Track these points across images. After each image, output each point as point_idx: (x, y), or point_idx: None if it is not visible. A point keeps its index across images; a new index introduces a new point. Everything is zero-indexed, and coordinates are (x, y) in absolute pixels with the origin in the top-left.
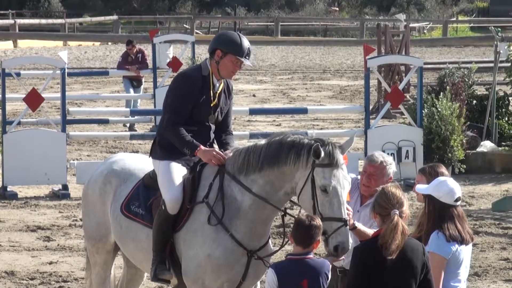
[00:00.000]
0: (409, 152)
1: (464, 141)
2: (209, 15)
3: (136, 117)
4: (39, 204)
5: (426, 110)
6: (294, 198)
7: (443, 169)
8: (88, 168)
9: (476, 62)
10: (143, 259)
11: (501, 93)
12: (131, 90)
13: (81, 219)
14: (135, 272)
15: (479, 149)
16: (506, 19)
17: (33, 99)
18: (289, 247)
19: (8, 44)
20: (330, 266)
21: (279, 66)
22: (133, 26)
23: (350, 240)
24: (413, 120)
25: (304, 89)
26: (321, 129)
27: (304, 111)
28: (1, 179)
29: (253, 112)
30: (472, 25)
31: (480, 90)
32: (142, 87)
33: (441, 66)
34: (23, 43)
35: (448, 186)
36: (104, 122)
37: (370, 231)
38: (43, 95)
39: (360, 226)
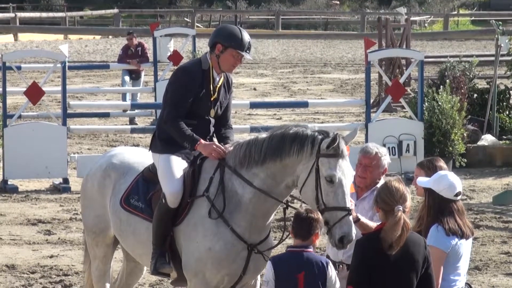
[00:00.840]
0: (410, 146)
1: (464, 135)
2: (210, 9)
3: (136, 110)
4: (40, 198)
5: (427, 103)
6: (294, 194)
7: (441, 162)
8: (88, 162)
9: (477, 56)
10: (143, 252)
11: (502, 87)
12: (127, 79)
13: (81, 213)
14: (134, 265)
15: (480, 143)
16: (507, 13)
17: (34, 93)
18: (291, 241)
19: (9, 38)
20: (330, 263)
21: (279, 59)
22: (134, 19)
23: (354, 231)
24: (414, 113)
25: (305, 83)
26: (322, 122)
27: (304, 104)
28: (1, 172)
29: (253, 105)
30: (473, 18)
31: (481, 84)
32: (141, 80)
33: (442, 59)
34: (23, 37)
35: (449, 181)
36: (105, 115)
37: (373, 224)
38: (43, 89)
39: (363, 218)
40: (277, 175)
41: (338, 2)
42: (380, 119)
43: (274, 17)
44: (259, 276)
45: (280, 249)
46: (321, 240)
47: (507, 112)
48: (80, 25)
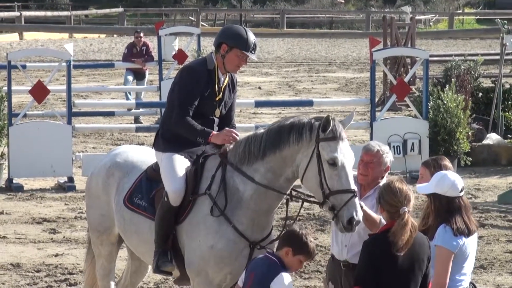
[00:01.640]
0: (415, 145)
1: (470, 134)
2: (215, 8)
3: (141, 109)
4: (45, 197)
5: (432, 102)
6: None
7: (446, 161)
8: (93, 161)
9: (482, 55)
10: (146, 251)
11: (507, 86)
12: (129, 78)
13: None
14: (139, 264)
15: (485, 142)
16: None
17: (39, 92)
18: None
19: (14, 36)
20: (291, 278)
21: (284, 58)
22: (139, 18)
23: (360, 212)
24: (419, 112)
25: (310, 82)
26: None
27: (309, 103)
28: (7, 171)
29: (258, 104)
30: (478, 17)
31: (486, 83)
32: (146, 79)
33: (447, 58)
34: (28, 35)
35: (450, 180)
36: (110, 114)
37: (376, 216)
38: (49, 87)
39: (365, 207)
40: (276, 168)
41: (343, 1)
42: (385, 118)
43: (279, 16)
44: None
45: None
46: (326, 238)
47: None
48: (85, 24)
